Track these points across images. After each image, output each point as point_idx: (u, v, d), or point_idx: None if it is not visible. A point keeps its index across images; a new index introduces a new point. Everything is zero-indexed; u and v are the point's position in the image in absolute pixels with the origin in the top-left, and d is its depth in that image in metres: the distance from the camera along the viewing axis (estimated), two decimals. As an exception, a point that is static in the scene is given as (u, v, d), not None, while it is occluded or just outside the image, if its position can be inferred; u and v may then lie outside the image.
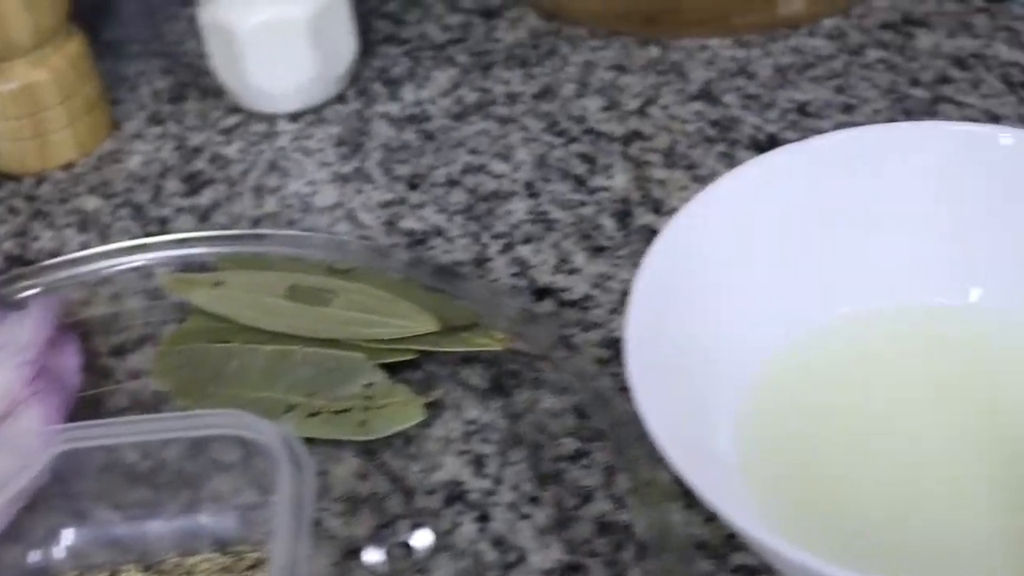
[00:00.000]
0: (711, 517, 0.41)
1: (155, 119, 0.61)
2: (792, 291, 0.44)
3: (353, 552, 0.42)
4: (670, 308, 0.41)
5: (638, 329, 0.38)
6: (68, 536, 0.41)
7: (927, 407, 0.42)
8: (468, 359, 0.47)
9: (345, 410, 0.45)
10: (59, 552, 0.41)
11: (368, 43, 0.63)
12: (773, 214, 0.43)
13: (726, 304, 0.43)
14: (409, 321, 0.46)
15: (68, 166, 0.58)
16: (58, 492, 0.41)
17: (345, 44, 0.59)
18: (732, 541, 0.41)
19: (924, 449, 0.41)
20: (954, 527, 0.39)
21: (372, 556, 0.41)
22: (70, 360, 0.46)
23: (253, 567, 0.40)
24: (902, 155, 0.43)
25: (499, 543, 0.42)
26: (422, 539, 0.42)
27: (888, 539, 0.38)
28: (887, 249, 0.44)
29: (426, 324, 0.46)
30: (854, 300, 0.44)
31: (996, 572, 0.37)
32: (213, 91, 0.61)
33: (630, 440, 0.43)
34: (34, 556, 0.41)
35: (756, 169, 0.43)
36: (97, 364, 0.49)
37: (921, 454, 0.41)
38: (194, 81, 0.63)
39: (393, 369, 0.46)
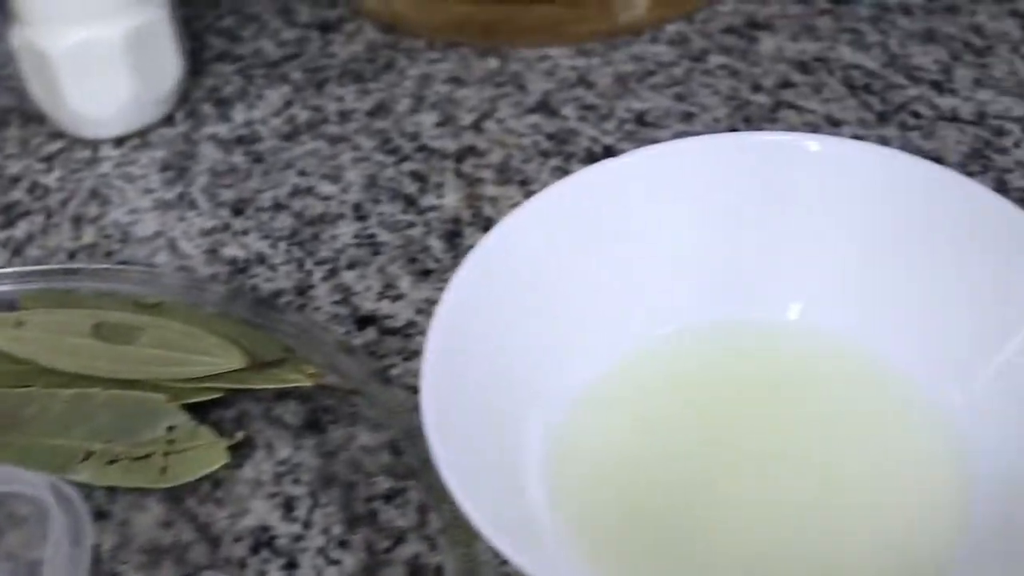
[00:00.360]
0: (527, 555, 0.39)
1: (-27, 148, 0.58)
2: (607, 312, 0.42)
3: (151, 608, 0.39)
4: (474, 341, 0.39)
5: (436, 370, 0.36)
6: None
7: (743, 425, 0.40)
8: (283, 395, 0.45)
9: (146, 456, 0.42)
10: None
11: (200, 61, 0.61)
12: (583, 236, 0.41)
13: (541, 331, 0.41)
14: (215, 358, 0.44)
15: None
16: None
17: (169, 64, 0.57)
18: (548, 580, 0.39)
19: (740, 469, 0.39)
20: (766, 545, 0.37)
21: (169, 612, 0.39)
22: None
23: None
24: (711, 169, 0.41)
25: (304, 592, 0.40)
26: (222, 591, 0.40)
27: (707, 562, 0.37)
28: (705, 266, 0.42)
29: (233, 360, 0.44)
30: (673, 319, 0.43)
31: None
32: (37, 117, 0.59)
33: (442, 478, 0.41)
34: None
35: (564, 189, 0.41)
36: None
37: (737, 474, 0.39)
38: (18, 106, 0.60)
39: (202, 409, 0.44)
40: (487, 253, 0.39)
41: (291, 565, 0.40)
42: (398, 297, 0.49)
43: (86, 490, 0.40)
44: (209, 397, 0.44)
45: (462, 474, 0.34)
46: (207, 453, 0.42)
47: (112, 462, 0.42)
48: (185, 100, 0.59)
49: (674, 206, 0.42)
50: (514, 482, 0.38)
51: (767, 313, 0.42)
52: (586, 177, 0.41)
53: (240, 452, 0.43)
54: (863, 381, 0.41)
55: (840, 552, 0.37)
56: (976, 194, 0.39)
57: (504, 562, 0.39)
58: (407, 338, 0.47)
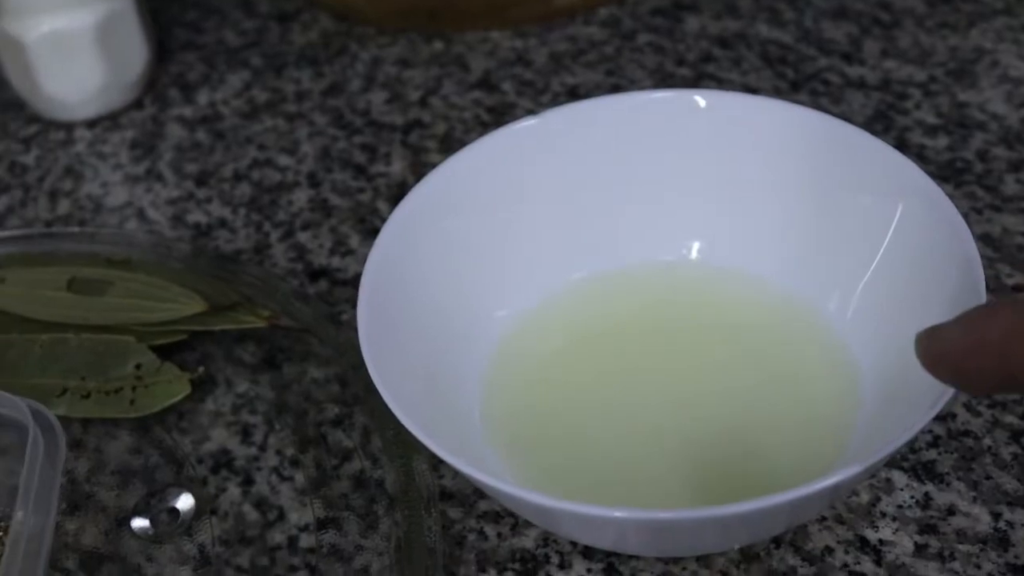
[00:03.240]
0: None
1: (-45, 132, 0.62)
2: (525, 261, 0.46)
3: (123, 520, 0.44)
4: (404, 285, 0.43)
5: (369, 305, 0.41)
6: None
7: (652, 355, 0.45)
8: (241, 338, 0.49)
9: (116, 390, 0.47)
10: None
11: (166, 50, 0.65)
12: (500, 190, 0.46)
13: (466, 277, 0.45)
14: (178, 304, 0.48)
15: None
16: None
17: (137, 51, 0.61)
18: (479, 491, 0.43)
19: (648, 383, 0.44)
20: (673, 443, 0.42)
21: (140, 523, 0.43)
22: None
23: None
24: (615, 125, 0.46)
25: (260, 504, 0.44)
26: (186, 503, 0.44)
27: (607, 476, 0.41)
28: (612, 215, 0.47)
29: (194, 306, 0.48)
30: (588, 266, 0.47)
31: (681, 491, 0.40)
32: (15, 103, 0.63)
33: (384, 403, 0.45)
34: None
35: (484, 145, 0.46)
36: None
37: (645, 388, 0.44)
38: (-4, 95, 0.64)
39: (167, 351, 0.48)
40: (416, 201, 0.44)
41: (248, 481, 0.45)
42: (348, 253, 0.53)
43: (64, 422, 0.44)
44: (173, 340, 0.48)
45: (394, 388, 0.38)
46: (172, 386, 0.47)
47: (86, 396, 0.47)
48: (152, 86, 0.63)
49: (580, 161, 0.46)
50: (446, 398, 0.42)
51: (670, 255, 0.47)
52: (501, 137, 0.46)
53: (202, 388, 0.47)
54: (755, 305, 0.45)
55: (746, 446, 0.42)
56: (843, 133, 0.44)
57: (440, 475, 0.43)
58: (355, 289, 0.51)
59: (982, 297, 0.37)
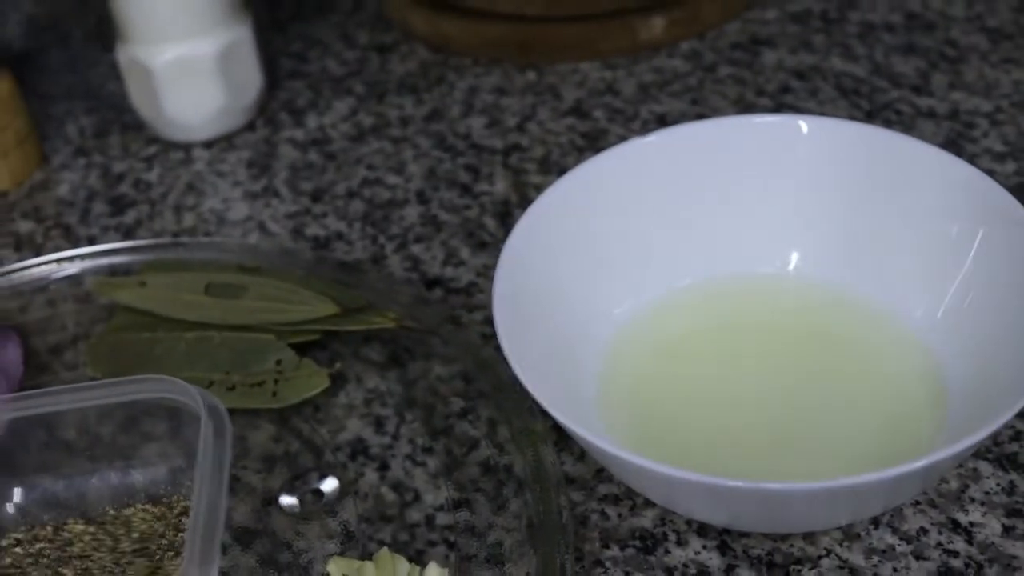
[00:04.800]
0: (581, 456, 0.48)
1: (81, 152, 0.67)
2: (641, 267, 0.51)
3: (271, 500, 0.48)
4: (532, 280, 0.47)
5: (504, 294, 0.45)
6: (17, 495, 0.47)
7: (756, 356, 0.49)
8: (368, 338, 0.53)
9: (259, 383, 0.51)
10: (9, 510, 0.47)
11: (275, 78, 0.70)
12: (618, 198, 0.50)
13: (587, 278, 0.50)
14: (312, 307, 0.52)
15: (1, 195, 0.64)
16: (6, 457, 0.47)
17: (251, 78, 0.66)
18: (600, 475, 0.47)
19: (746, 382, 0.48)
20: (763, 444, 0.46)
21: (287, 500, 0.47)
22: (12, 353, 0.52)
23: (183, 514, 0.46)
24: (721, 147, 0.50)
25: (397, 487, 0.48)
26: (330, 486, 0.48)
27: (717, 457, 0.45)
28: (717, 229, 0.51)
29: (327, 308, 0.52)
30: (695, 274, 0.51)
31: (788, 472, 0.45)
32: (134, 126, 0.68)
33: (509, 397, 0.49)
34: (-14, 514, 0.46)
35: (602, 162, 0.50)
36: (36, 361, 0.54)
37: (744, 386, 0.48)
38: (117, 118, 0.69)
39: (301, 349, 0.52)
40: (541, 210, 0.49)
41: (384, 467, 0.49)
42: (459, 264, 0.57)
43: (210, 412, 0.48)
44: (309, 339, 0.52)
45: (527, 367, 0.42)
46: (311, 380, 0.51)
47: (231, 389, 0.51)
48: (264, 110, 0.68)
49: (689, 177, 0.51)
50: (568, 382, 0.47)
51: (768, 267, 0.51)
52: (621, 150, 0.50)
53: (335, 384, 0.52)
54: (848, 311, 0.50)
55: (847, 439, 0.46)
56: (928, 154, 0.48)
57: (562, 462, 0.47)
58: (470, 296, 0.56)
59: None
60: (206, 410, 0.44)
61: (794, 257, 0.51)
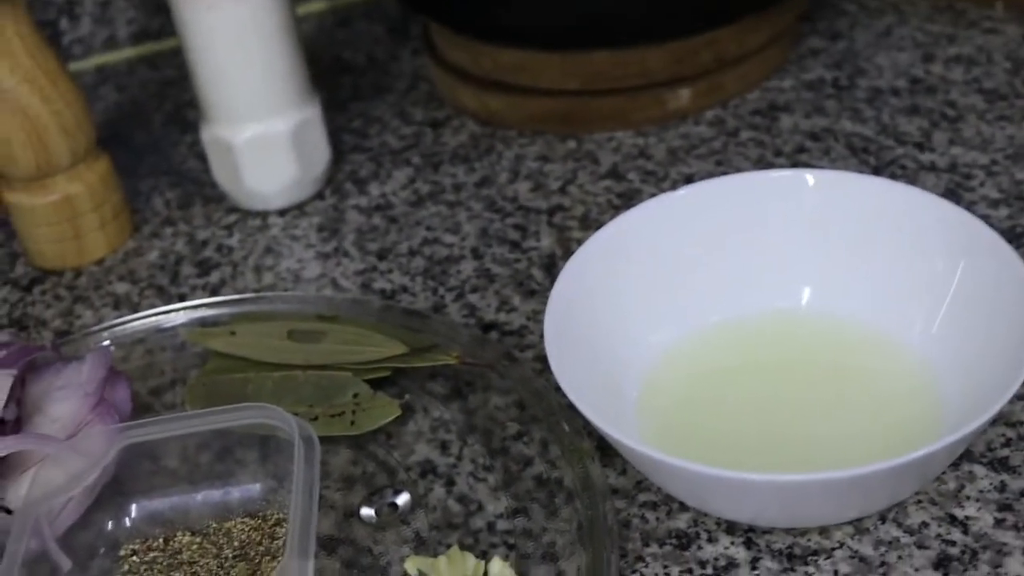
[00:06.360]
0: (623, 471, 0.55)
1: (168, 222, 0.75)
2: (672, 306, 0.58)
3: (352, 513, 0.55)
4: (577, 319, 0.55)
5: (553, 332, 0.53)
6: (133, 511, 0.54)
7: (775, 379, 0.56)
8: (433, 374, 0.60)
9: (339, 414, 0.58)
10: (126, 523, 0.54)
11: (339, 152, 0.78)
12: (652, 244, 0.58)
13: (625, 316, 0.57)
14: (383, 347, 0.60)
15: (100, 261, 0.72)
16: (125, 478, 0.54)
17: (321, 152, 0.74)
18: (640, 485, 0.54)
19: (766, 402, 0.55)
20: (785, 457, 0.53)
21: (366, 512, 0.54)
22: (122, 392, 0.59)
23: (276, 524, 0.53)
24: (740, 199, 0.58)
25: (462, 499, 0.55)
26: (403, 499, 0.55)
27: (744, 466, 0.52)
28: (738, 270, 0.58)
29: (396, 348, 0.59)
30: (721, 311, 0.58)
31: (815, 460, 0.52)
32: (215, 198, 0.75)
33: (559, 421, 0.56)
34: (109, 526, 0.53)
35: (636, 215, 0.58)
36: (139, 402, 0.61)
37: (771, 406, 0.55)
38: (199, 191, 0.77)
39: (375, 385, 0.59)
40: (584, 257, 0.56)
41: (450, 483, 0.55)
42: (512, 310, 0.64)
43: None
44: (381, 375, 0.59)
45: (576, 391, 0.49)
46: (384, 410, 0.58)
47: (314, 419, 0.58)
48: (331, 181, 0.76)
49: (714, 225, 0.58)
50: (611, 402, 0.54)
51: (784, 302, 0.58)
52: (648, 207, 0.58)
53: (404, 414, 0.58)
54: (854, 338, 0.57)
55: (842, 447, 0.53)
56: (921, 199, 0.55)
57: (607, 476, 0.54)
58: (521, 337, 0.63)
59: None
60: (299, 435, 0.51)
61: (806, 292, 0.58)
